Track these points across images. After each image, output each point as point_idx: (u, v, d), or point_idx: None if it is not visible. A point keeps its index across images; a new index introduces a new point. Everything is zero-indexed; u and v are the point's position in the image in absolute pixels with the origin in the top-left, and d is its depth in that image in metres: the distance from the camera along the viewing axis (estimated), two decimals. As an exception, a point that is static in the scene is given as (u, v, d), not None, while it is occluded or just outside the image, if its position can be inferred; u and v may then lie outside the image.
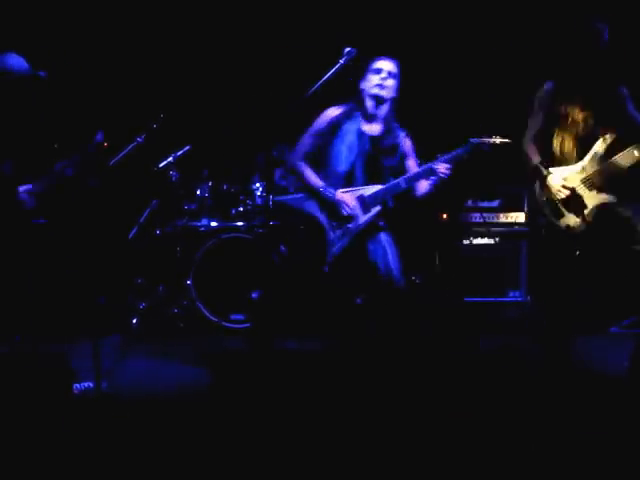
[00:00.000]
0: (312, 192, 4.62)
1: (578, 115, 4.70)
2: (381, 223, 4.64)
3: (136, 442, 3.66)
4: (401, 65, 4.62)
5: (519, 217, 6.60)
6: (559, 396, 4.27)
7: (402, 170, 4.66)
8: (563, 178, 4.69)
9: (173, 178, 6.49)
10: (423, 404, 4.13)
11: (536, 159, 4.78)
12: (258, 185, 6.47)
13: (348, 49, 4.58)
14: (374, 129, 4.63)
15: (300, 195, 4.77)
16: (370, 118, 4.61)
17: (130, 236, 6.57)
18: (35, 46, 5.01)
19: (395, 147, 4.63)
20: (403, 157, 4.67)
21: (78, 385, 4.34)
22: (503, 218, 6.63)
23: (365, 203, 4.54)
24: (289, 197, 4.81)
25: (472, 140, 4.57)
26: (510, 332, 5.97)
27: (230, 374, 4.91)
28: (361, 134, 4.59)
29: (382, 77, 4.54)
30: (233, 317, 6.15)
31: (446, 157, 4.51)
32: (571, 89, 4.73)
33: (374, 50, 4.74)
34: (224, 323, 6.12)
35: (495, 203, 6.69)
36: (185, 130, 6.72)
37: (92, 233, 5.94)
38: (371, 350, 4.83)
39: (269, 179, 6.38)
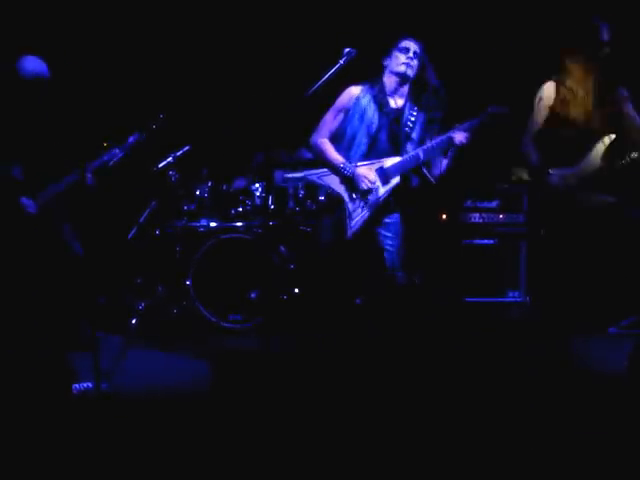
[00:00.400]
0: (332, 169, 4.74)
1: (578, 115, 4.70)
2: (399, 199, 4.77)
3: (136, 442, 3.66)
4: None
5: (518, 217, 6.61)
6: (558, 396, 4.27)
7: (422, 144, 4.79)
8: (563, 178, 4.69)
9: (172, 178, 6.49)
10: (422, 404, 4.13)
11: (535, 160, 4.78)
12: (257, 185, 6.48)
13: (348, 49, 4.62)
14: (396, 104, 4.77)
15: (321, 170, 4.82)
16: (392, 93, 4.76)
17: (129, 236, 6.57)
18: (35, 48, 5.02)
19: (415, 122, 4.77)
20: (424, 133, 4.81)
21: (77, 385, 4.35)
22: (502, 218, 6.64)
23: (385, 174, 4.67)
24: (311, 172, 4.87)
25: (490, 108, 4.68)
26: (509, 332, 5.97)
27: (229, 374, 4.91)
28: (383, 108, 4.73)
29: (409, 56, 4.68)
30: (232, 317, 6.15)
31: (464, 125, 4.65)
32: (571, 89, 4.73)
33: (374, 51, 4.79)
34: (223, 323, 6.12)
35: (494, 203, 6.69)
36: (184, 130, 6.72)
37: (91, 233, 5.93)
38: (371, 350, 4.84)
39: (269, 179, 6.40)
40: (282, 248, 6.31)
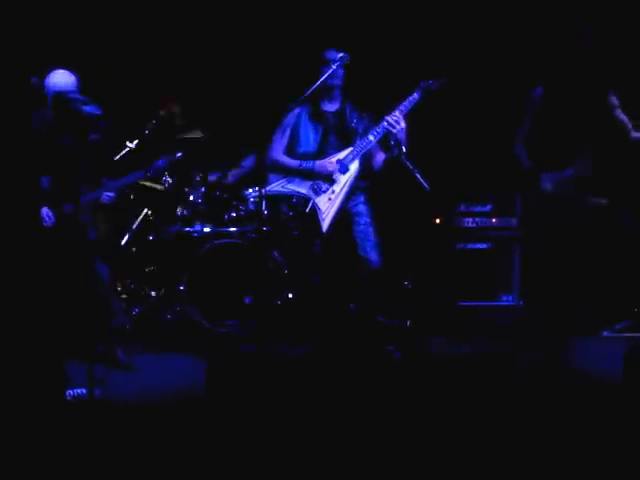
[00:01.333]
0: (293, 173, 5.08)
1: (566, 120, 4.72)
2: (362, 184, 5.12)
3: (129, 448, 3.65)
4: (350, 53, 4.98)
5: (511, 221, 6.62)
6: (552, 399, 4.27)
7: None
8: (554, 182, 4.70)
9: (166, 184, 6.48)
10: (414, 409, 4.13)
11: (527, 164, 4.80)
12: (251, 190, 6.47)
13: (341, 54, 4.67)
14: (334, 107, 5.15)
15: (279, 181, 5.15)
16: (328, 100, 5.13)
17: (123, 242, 6.57)
18: (33, 53, 5.02)
19: (357, 117, 5.13)
20: (367, 125, 5.12)
21: (71, 391, 4.34)
22: (496, 222, 6.64)
23: (343, 164, 4.94)
24: (270, 186, 5.08)
25: (422, 83, 4.91)
26: (502, 336, 5.97)
27: (223, 380, 4.89)
28: (323, 113, 5.10)
29: (333, 68, 4.91)
30: (226, 322, 6.14)
31: (399, 106, 4.90)
32: (560, 94, 4.74)
33: (366, 54, 4.87)
34: (217, 328, 6.10)
35: (488, 207, 6.70)
36: (178, 136, 6.71)
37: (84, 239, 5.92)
38: (363, 354, 4.84)
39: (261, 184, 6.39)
40: (275, 253, 6.30)
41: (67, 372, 4.52)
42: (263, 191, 5.28)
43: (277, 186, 5.11)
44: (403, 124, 4.86)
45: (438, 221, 6.60)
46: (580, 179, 4.69)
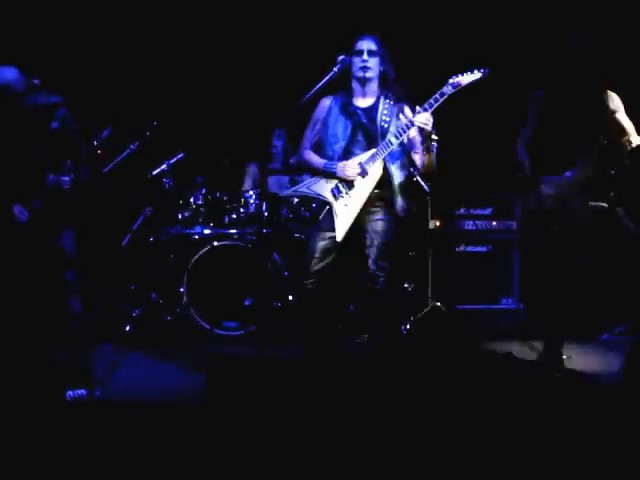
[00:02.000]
0: (317, 172, 4.76)
1: (568, 122, 4.72)
2: (383, 194, 4.69)
3: (129, 449, 3.66)
4: (382, 38, 4.75)
5: (511, 224, 6.62)
6: (552, 402, 4.28)
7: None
8: (554, 186, 4.71)
9: (167, 185, 6.50)
10: (416, 411, 4.13)
11: (528, 167, 4.80)
12: (251, 193, 6.49)
13: (341, 57, 4.62)
14: (366, 103, 4.77)
15: (308, 180, 4.82)
16: (360, 94, 4.76)
17: (123, 243, 6.57)
18: (29, 55, 5.01)
19: (389, 115, 4.71)
20: (401, 125, 4.68)
21: (71, 392, 4.34)
22: (495, 226, 6.65)
23: (363, 168, 4.63)
24: (298, 186, 4.91)
25: (449, 79, 4.55)
26: (503, 339, 5.98)
27: (222, 381, 4.90)
28: (354, 109, 4.74)
29: (363, 59, 4.66)
30: (226, 324, 6.15)
31: (425, 105, 4.54)
32: (561, 96, 4.75)
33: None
34: (217, 330, 6.11)
35: (487, 210, 6.71)
36: (179, 137, 6.73)
37: (86, 240, 5.93)
38: (364, 358, 4.84)
39: (263, 187, 6.42)
40: (276, 255, 6.31)
41: (67, 373, 4.55)
42: (293, 190, 5.08)
43: (303, 187, 4.81)
44: (427, 122, 4.51)
45: (438, 224, 6.60)
46: (580, 182, 4.69)
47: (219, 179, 6.86)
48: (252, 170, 6.95)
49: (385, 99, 4.74)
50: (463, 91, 4.54)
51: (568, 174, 4.71)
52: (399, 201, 4.67)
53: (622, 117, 4.81)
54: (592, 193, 4.72)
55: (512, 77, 6.38)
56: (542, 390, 4.53)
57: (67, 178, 4.79)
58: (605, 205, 4.73)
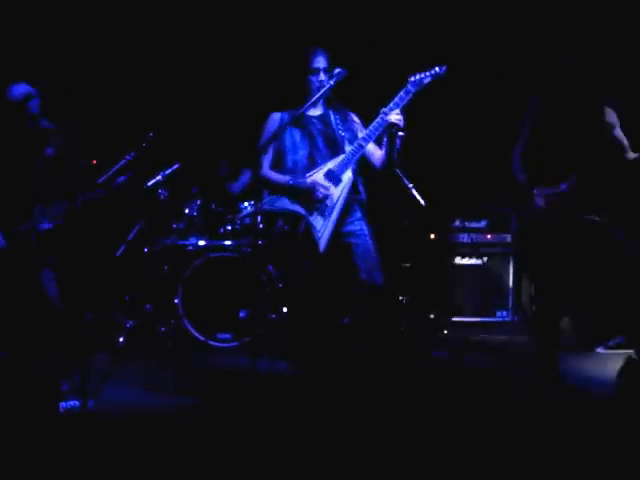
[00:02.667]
0: (283, 190, 4.66)
1: (562, 136, 4.73)
2: (357, 196, 4.69)
3: (121, 461, 3.65)
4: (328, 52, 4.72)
5: (506, 237, 6.64)
6: (545, 415, 4.27)
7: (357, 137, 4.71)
8: (546, 197, 4.72)
9: (162, 196, 6.49)
10: (409, 424, 4.13)
11: (523, 179, 4.81)
12: (246, 204, 6.50)
13: (338, 70, 4.62)
14: (316, 112, 4.76)
15: (269, 198, 4.74)
16: (314, 104, 4.70)
17: (118, 254, 6.56)
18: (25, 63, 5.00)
19: (344, 120, 4.75)
20: (355, 129, 4.74)
21: (64, 403, 4.33)
22: (490, 238, 6.67)
23: (335, 175, 4.58)
24: (261, 204, 4.81)
25: (410, 78, 4.54)
26: (497, 352, 5.98)
27: (216, 393, 4.90)
28: (308, 119, 4.72)
29: (319, 79, 4.65)
30: (220, 336, 6.14)
31: (392, 105, 4.53)
32: (557, 109, 4.76)
33: (363, 71, 4.78)
34: (211, 342, 6.11)
35: (482, 223, 6.73)
36: (174, 148, 6.74)
37: (80, 250, 5.91)
38: (357, 370, 4.82)
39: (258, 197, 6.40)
40: (270, 267, 6.31)
41: (59, 384, 4.53)
42: (256, 208, 5.02)
43: (266, 204, 4.74)
44: (400, 118, 4.48)
45: (433, 236, 6.62)
46: (573, 195, 4.70)
47: (215, 187, 6.86)
48: (245, 176, 6.94)
49: (331, 107, 4.78)
50: (426, 90, 4.55)
51: (563, 186, 4.71)
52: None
53: (618, 132, 4.83)
54: (585, 206, 4.72)
55: (509, 87, 6.42)
56: (535, 404, 4.52)
57: (47, 226, 4.68)
58: (598, 219, 4.74)
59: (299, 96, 4.69)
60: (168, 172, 6.52)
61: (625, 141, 4.85)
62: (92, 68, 6.97)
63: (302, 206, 4.61)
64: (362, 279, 4.55)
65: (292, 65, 4.78)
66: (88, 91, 6.87)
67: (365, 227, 4.68)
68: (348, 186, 4.61)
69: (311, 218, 4.59)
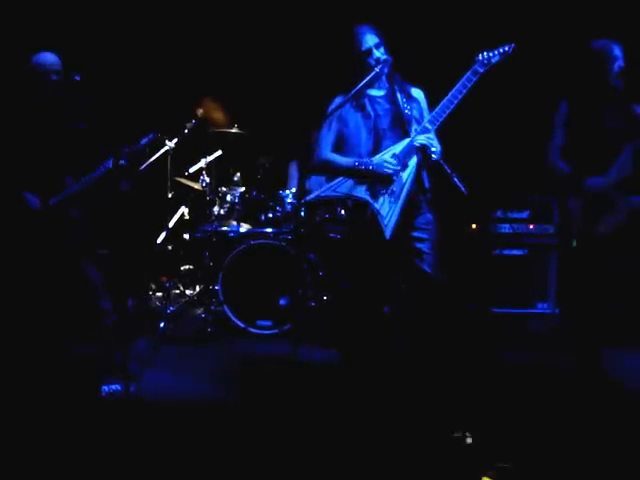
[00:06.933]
0: (347, 173, 4.42)
1: (596, 131, 4.67)
2: (429, 195, 4.50)
3: (162, 444, 3.67)
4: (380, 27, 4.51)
5: (549, 228, 6.56)
6: (586, 410, 4.23)
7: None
8: (593, 184, 4.67)
9: (203, 183, 6.51)
10: (446, 417, 4.10)
11: (566, 170, 4.75)
12: (288, 192, 6.50)
13: (384, 57, 4.50)
14: (380, 92, 4.53)
15: (333, 182, 4.46)
16: (376, 85, 4.50)
17: (159, 241, 6.61)
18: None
19: (409, 98, 4.49)
20: (420, 109, 4.52)
21: (106, 387, 4.37)
22: (533, 229, 6.60)
23: (400, 159, 4.36)
24: (323, 189, 4.58)
25: (477, 57, 4.32)
26: (538, 344, 5.92)
27: (255, 380, 4.91)
28: (372, 100, 4.48)
29: (375, 58, 4.43)
30: (260, 323, 6.16)
31: (459, 86, 4.30)
32: (586, 106, 4.71)
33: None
34: (251, 329, 6.12)
35: (525, 214, 6.66)
36: (217, 136, 6.75)
37: (121, 237, 5.96)
38: (396, 362, 4.79)
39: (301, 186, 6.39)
40: (312, 255, 6.31)
41: (102, 368, 4.58)
42: (317, 194, 4.78)
43: (328, 190, 4.43)
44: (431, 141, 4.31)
45: (474, 227, 6.57)
46: (622, 180, 4.62)
47: (257, 179, 6.87)
48: (294, 169, 6.93)
49: (396, 85, 4.50)
50: (494, 71, 4.37)
51: (609, 174, 4.64)
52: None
53: None
54: (632, 192, 4.65)
55: (548, 77, 6.34)
56: (576, 397, 4.47)
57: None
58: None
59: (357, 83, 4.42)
60: (210, 159, 6.56)
61: None
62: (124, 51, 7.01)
63: (368, 191, 4.38)
64: (427, 274, 4.39)
65: (345, 54, 4.61)
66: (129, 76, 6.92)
67: (431, 229, 4.47)
68: (414, 172, 4.38)
69: (377, 204, 4.36)
